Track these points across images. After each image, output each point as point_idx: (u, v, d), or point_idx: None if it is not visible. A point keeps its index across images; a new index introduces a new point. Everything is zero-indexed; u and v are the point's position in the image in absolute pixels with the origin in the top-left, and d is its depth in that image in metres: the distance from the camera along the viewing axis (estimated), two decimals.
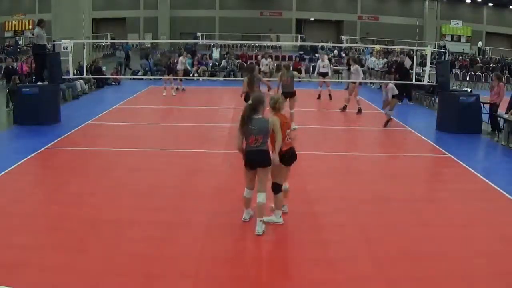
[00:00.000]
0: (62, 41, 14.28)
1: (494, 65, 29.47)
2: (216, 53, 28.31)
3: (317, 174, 8.55)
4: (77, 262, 5.12)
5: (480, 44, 44.08)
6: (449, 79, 14.57)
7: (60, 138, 10.80)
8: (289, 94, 11.73)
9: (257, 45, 37.99)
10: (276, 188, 6.14)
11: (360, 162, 9.78)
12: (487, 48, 43.27)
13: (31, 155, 9.27)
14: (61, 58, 13.15)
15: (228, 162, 8.99)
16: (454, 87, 18.94)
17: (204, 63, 25.12)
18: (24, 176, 8.29)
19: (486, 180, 8.35)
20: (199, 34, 41.70)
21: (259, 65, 20.67)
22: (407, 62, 18.55)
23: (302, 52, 33.03)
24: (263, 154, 5.85)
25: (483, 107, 12.80)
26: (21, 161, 8.83)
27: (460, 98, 12.51)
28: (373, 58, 23.86)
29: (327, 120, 14.34)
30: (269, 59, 23.42)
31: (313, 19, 49.30)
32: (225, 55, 27.78)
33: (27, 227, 6.04)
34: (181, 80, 19.42)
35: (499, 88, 12.40)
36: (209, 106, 16.17)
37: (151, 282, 4.79)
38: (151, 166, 8.92)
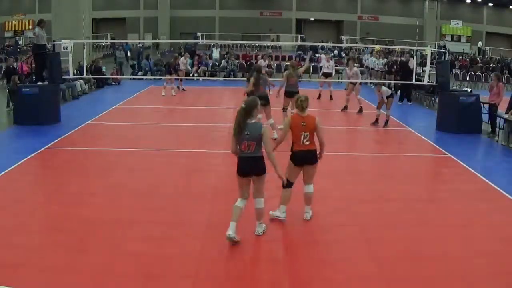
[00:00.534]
0: (62, 41, 14.28)
1: (494, 65, 29.47)
2: (216, 53, 28.31)
3: (317, 174, 8.47)
4: (77, 262, 5.12)
5: (480, 44, 44.08)
6: (449, 79, 14.57)
7: (60, 138, 10.80)
8: (294, 93, 11.71)
9: (257, 45, 37.99)
10: (287, 183, 6.14)
11: (360, 162, 9.79)
12: (487, 48, 43.27)
13: (31, 155, 9.27)
14: (61, 58, 13.15)
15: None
16: (454, 87, 18.96)
17: (204, 63, 25.12)
18: (24, 176, 8.29)
19: (486, 180, 8.35)
20: (199, 34, 41.72)
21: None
22: (412, 62, 18.55)
23: (301, 52, 33.05)
24: (257, 162, 5.54)
25: (483, 107, 12.80)
26: (21, 161, 8.83)
27: (460, 98, 12.51)
28: (373, 58, 23.86)
29: (327, 120, 14.30)
30: (267, 60, 23.41)
31: (313, 19, 49.34)
32: (225, 55, 27.77)
33: (27, 227, 6.05)
34: (181, 80, 19.44)
35: (498, 88, 12.40)
36: (209, 106, 16.17)
37: (151, 282, 4.79)
38: (151, 166, 8.92)
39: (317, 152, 6.34)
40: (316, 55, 29.00)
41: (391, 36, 44.45)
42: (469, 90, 15.32)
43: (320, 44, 36.20)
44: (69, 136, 11.17)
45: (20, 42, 39.97)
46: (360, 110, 14.67)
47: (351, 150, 10.88)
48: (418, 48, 26.56)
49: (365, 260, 5.36)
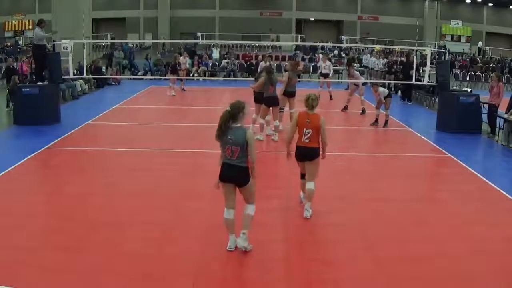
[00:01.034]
0: (62, 41, 14.27)
1: (494, 65, 29.47)
2: (216, 53, 28.31)
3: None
4: (77, 262, 5.12)
5: (480, 44, 44.07)
6: (449, 79, 14.57)
7: (60, 138, 10.80)
8: (293, 93, 11.70)
9: (257, 45, 37.99)
10: (301, 174, 6.60)
11: (360, 162, 9.79)
12: (487, 48, 43.26)
13: (31, 155, 9.27)
14: (61, 58, 13.15)
15: None
16: (454, 87, 18.94)
17: (204, 63, 25.12)
18: (24, 176, 8.29)
19: (486, 180, 8.36)
20: (199, 34, 41.71)
21: (257, 69, 20.64)
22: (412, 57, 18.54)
23: (298, 52, 33.09)
24: (240, 171, 5.20)
25: (483, 107, 12.80)
26: (21, 161, 8.82)
27: (460, 98, 12.51)
28: (373, 58, 23.86)
29: (327, 120, 14.28)
30: (268, 62, 23.36)
31: (313, 19, 49.33)
32: (225, 55, 27.76)
33: (27, 227, 6.04)
34: (182, 80, 19.46)
35: (498, 88, 12.39)
36: (209, 106, 16.16)
37: (151, 282, 4.80)
38: (151, 166, 8.91)
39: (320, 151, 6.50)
40: (317, 55, 28.99)
41: (391, 36, 44.44)
42: (469, 90, 15.32)
43: (320, 44, 36.20)
44: (69, 136, 11.17)
45: (20, 42, 39.98)
46: (363, 111, 14.66)
47: (351, 150, 10.87)
48: (418, 48, 26.51)
49: (365, 260, 5.36)
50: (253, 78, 14.06)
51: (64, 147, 10.26)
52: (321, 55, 22.86)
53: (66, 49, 13.57)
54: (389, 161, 9.99)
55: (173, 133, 12.10)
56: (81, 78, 17.37)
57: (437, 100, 14.78)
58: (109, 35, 41.77)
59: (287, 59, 28.15)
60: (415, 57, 17.77)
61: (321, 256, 5.51)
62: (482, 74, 25.26)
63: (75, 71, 16.03)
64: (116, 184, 7.83)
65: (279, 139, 10.80)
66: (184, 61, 20.12)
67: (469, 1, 48.17)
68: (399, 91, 18.84)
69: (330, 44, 37.60)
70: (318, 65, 18.68)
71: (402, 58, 23.83)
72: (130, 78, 23.11)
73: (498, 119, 12.02)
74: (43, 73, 13.04)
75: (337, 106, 15.65)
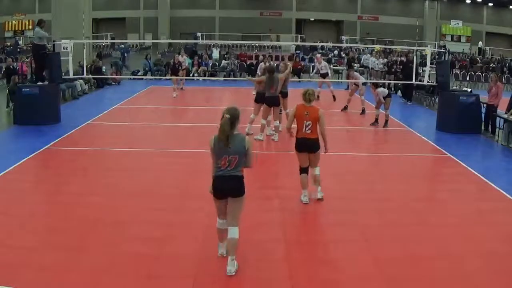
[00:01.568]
0: (62, 41, 14.27)
1: (494, 65, 29.47)
2: (216, 53, 28.31)
3: None
4: (77, 262, 5.12)
5: (480, 44, 44.08)
6: (449, 79, 14.57)
7: (60, 138, 10.80)
8: (285, 94, 11.69)
9: (257, 45, 37.99)
10: (300, 168, 6.86)
11: (360, 162, 9.78)
12: (487, 48, 43.28)
13: (31, 155, 9.27)
14: (61, 58, 13.15)
15: None
16: (454, 87, 18.94)
17: (204, 63, 25.13)
18: (24, 176, 8.29)
19: (486, 180, 8.36)
20: (199, 34, 41.73)
21: (256, 70, 20.64)
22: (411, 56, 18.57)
23: (298, 52, 33.12)
24: (236, 182, 4.86)
25: (483, 107, 12.81)
26: (21, 161, 8.83)
27: (460, 98, 12.51)
28: (373, 58, 23.85)
29: (327, 120, 14.31)
30: (268, 63, 23.36)
31: (313, 19, 49.34)
32: (225, 55, 27.75)
33: (27, 227, 6.05)
34: (181, 79, 19.45)
35: (497, 88, 12.39)
36: (209, 106, 16.16)
37: (151, 282, 4.80)
38: (151, 166, 8.92)
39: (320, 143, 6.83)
40: (313, 56, 28.98)
41: (391, 36, 44.48)
42: (469, 90, 15.32)
43: (320, 44, 36.21)
44: (69, 136, 11.17)
45: (20, 42, 39.99)
46: (363, 112, 14.66)
47: (351, 150, 10.87)
48: (418, 48, 26.51)
49: (365, 260, 5.36)
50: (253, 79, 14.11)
51: (64, 147, 10.26)
52: (318, 55, 22.79)
53: (66, 49, 13.57)
54: (389, 161, 9.99)
55: (173, 133, 12.11)
56: (81, 78, 17.36)
57: (437, 100, 14.78)
58: (109, 35, 41.79)
59: (287, 59, 28.20)
60: (415, 57, 17.78)
61: (321, 256, 5.52)
62: (482, 74, 25.26)
63: (75, 70, 16.01)
64: (116, 184, 7.83)
65: (279, 139, 10.82)
66: (183, 59, 20.10)
67: (469, 1, 48.19)
68: (399, 91, 18.84)
69: (330, 44, 37.62)
70: (318, 66, 18.50)
71: (402, 58, 23.83)
72: (130, 78, 23.11)
73: (498, 119, 12.03)
74: (43, 73, 13.04)
75: (337, 106, 15.65)
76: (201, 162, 9.32)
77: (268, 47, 37.53)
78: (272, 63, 17.82)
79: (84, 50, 15.61)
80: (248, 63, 25.53)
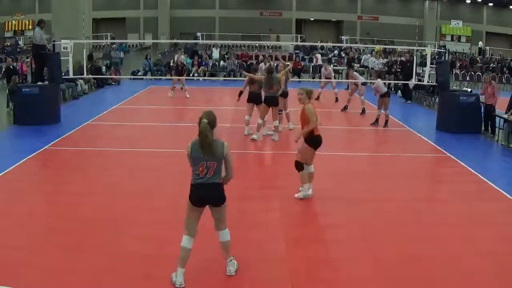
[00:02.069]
0: (62, 41, 14.27)
1: (494, 65, 29.48)
2: (216, 53, 28.32)
3: (317, 174, 8.50)
4: (77, 262, 5.12)
5: (480, 44, 44.10)
6: (449, 79, 14.57)
7: (60, 138, 10.80)
8: (285, 94, 11.69)
9: (257, 45, 37.99)
10: (299, 166, 6.90)
11: (360, 162, 9.79)
12: (487, 48, 43.28)
13: (31, 155, 9.27)
14: (61, 58, 13.15)
15: None
16: (454, 87, 18.95)
17: (204, 63, 25.13)
18: (24, 176, 8.29)
19: (486, 180, 8.36)
20: (199, 34, 41.75)
21: (256, 70, 20.58)
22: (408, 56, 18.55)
23: (297, 51, 33.13)
24: (217, 188, 4.68)
25: (483, 107, 12.81)
26: (21, 161, 8.82)
27: (460, 98, 12.52)
28: (373, 58, 23.84)
29: (328, 120, 14.33)
30: (268, 63, 23.34)
31: (313, 19, 49.34)
32: (225, 55, 27.75)
33: (27, 227, 6.04)
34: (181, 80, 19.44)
35: (492, 88, 12.40)
36: (209, 106, 16.13)
37: (151, 282, 4.80)
38: (151, 166, 8.92)
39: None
40: (313, 56, 28.99)
41: (391, 36, 44.48)
42: (469, 90, 15.33)
43: (320, 44, 36.20)
44: (69, 136, 11.17)
45: (20, 42, 40.00)
46: (363, 111, 14.66)
47: (351, 150, 10.88)
48: (418, 48, 26.51)
49: (365, 260, 5.36)
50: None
51: (64, 147, 10.26)
52: (318, 55, 22.76)
53: (66, 49, 13.57)
54: (389, 161, 9.99)
55: (173, 133, 12.10)
56: (81, 78, 17.36)
57: (437, 100, 14.78)
58: (109, 35, 41.80)
59: (287, 59, 28.20)
60: (415, 57, 17.78)
61: (321, 256, 5.51)
62: (482, 74, 25.26)
63: (75, 70, 15.99)
64: (116, 184, 7.83)
65: (279, 139, 10.81)
66: (181, 59, 20.10)
67: (469, 1, 48.19)
68: (399, 91, 18.84)
69: (330, 44, 37.60)
70: (325, 73, 18.15)
71: (402, 58, 23.84)
72: (130, 78, 23.10)
73: (498, 119, 12.03)
74: (43, 73, 13.04)
75: (337, 106, 15.65)
76: None
77: (268, 47, 37.51)
78: (272, 63, 17.78)
79: (84, 50, 15.61)
80: (248, 63, 25.52)
